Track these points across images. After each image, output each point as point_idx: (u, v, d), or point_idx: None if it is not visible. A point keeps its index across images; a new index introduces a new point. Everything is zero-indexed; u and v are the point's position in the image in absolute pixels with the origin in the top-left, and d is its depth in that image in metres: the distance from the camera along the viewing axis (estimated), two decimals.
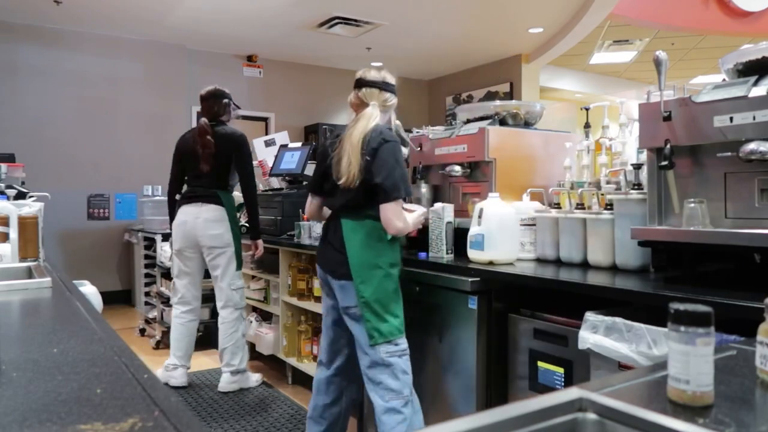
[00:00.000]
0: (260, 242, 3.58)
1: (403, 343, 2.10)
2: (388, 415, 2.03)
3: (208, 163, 3.49)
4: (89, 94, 6.46)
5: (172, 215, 3.63)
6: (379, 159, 2.02)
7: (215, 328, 4.60)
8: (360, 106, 2.19)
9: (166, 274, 4.54)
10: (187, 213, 3.47)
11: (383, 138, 2.05)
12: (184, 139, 3.71)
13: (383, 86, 2.18)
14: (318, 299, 3.34)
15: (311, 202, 2.35)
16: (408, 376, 2.08)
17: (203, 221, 3.44)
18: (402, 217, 2.05)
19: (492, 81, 7.89)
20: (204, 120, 3.66)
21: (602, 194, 2.13)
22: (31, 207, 2.32)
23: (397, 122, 2.94)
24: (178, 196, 3.63)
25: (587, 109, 2.61)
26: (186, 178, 3.62)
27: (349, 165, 2.04)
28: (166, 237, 4.67)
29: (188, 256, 3.52)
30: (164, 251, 4.51)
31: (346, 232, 2.09)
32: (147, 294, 5.05)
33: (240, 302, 3.54)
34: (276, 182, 4.10)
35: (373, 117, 2.11)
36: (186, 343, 3.63)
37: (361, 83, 2.22)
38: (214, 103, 3.81)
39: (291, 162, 4.00)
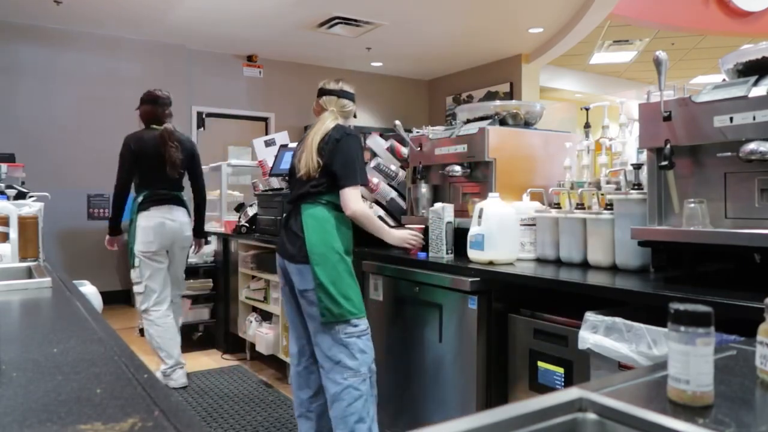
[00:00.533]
0: (203, 241, 4.05)
1: (362, 324, 2.23)
2: (347, 391, 2.17)
3: (178, 168, 3.72)
4: (89, 94, 6.45)
5: (120, 216, 3.76)
6: (339, 149, 2.26)
7: (215, 327, 4.62)
8: (321, 112, 2.45)
9: None
10: (164, 215, 3.61)
11: (345, 132, 2.31)
12: (143, 141, 3.74)
13: (340, 94, 2.44)
14: None
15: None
16: (366, 355, 2.21)
17: (180, 224, 3.68)
18: (359, 201, 2.27)
19: (492, 81, 7.89)
20: (170, 125, 3.82)
21: (602, 194, 2.13)
22: (31, 207, 2.32)
23: (397, 122, 2.95)
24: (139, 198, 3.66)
25: (587, 109, 2.61)
26: (140, 180, 3.69)
27: (307, 158, 2.28)
28: None
29: (163, 254, 3.68)
30: None
31: (305, 217, 2.26)
32: None
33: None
34: (276, 182, 4.09)
35: (330, 119, 2.37)
36: (178, 339, 3.64)
37: (321, 92, 2.48)
38: (163, 107, 3.96)
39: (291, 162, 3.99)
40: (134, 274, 3.71)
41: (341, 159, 2.26)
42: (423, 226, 2.50)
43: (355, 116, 2.56)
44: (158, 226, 3.58)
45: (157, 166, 3.62)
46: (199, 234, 3.97)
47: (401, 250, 2.48)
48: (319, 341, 2.25)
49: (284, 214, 2.46)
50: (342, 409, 2.18)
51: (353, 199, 2.25)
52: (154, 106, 3.92)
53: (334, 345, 2.20)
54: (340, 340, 2.19)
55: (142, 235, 3.58)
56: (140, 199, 3.63)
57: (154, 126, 3.82)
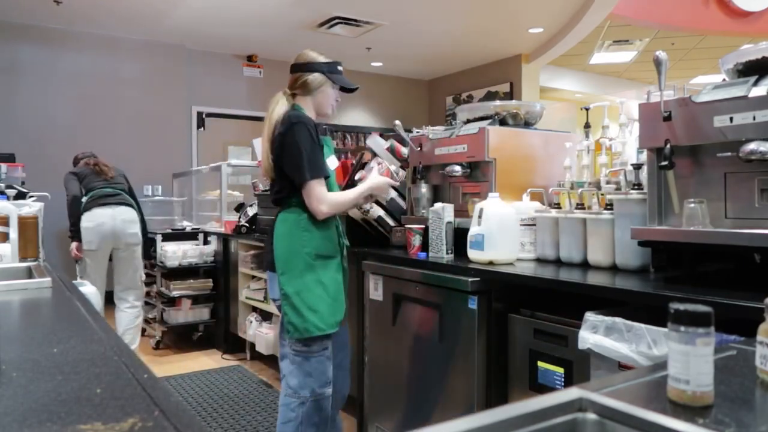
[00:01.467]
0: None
1: (315, 345, 2.03)
2: (283, 408, 2.06)
3: (112, 168, 4.21)
4: (89, 94, 6.46)
5: (78, 221, 4.01)
6: (285, 144, 2.03)
7: (215, 327, 4.62)
8: None
9: (167, 274, 4.55)
10: (105, 214, 3.95)
11: (291, 121, 2.04)
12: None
13: (291, 69, 2.19)
14: None
15: None
16: (311, 379, 2.02)
17: (123, 222, 3.95)
18: (324, 198, 2.03)
19: (492, 81, 7.89)
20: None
21: (602, 194, 2.13)
22: (31, 207, 2.32)
23: (397, 122, 2.95)
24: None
25: (587, 109, 2.61)
26: (86, 183, 4.09)
27: (263, 158, 2.11)
28: (166, 237, 4.68)
29: (104, 254, 3.99)
30: (164, 251, 4.51)
31: (276, 223, 2.11)
32: (147, 294, 5.05)
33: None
34: None
35: (279, 105, 2.14)
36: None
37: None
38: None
39: None
40: (77, 270, 4.00)
41: (287, 156, 2.03)
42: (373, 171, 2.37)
43: (347, 90, 2.21)
44: (98, 226, 3.83)
45: (99, 171, 4.08)
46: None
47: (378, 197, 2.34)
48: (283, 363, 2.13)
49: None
50: (278, 425, 2.08)
51: (315, 198, 2.02)
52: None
53: (284, 356, 2.09)
54: (289, 354, 2.06)
55: (84, 235, 3.84)
56: (84, 199, 3.93)
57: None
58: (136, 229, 3.98)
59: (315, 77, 2.14)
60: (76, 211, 3.90)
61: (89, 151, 4.46)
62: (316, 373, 2.04)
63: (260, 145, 2.27)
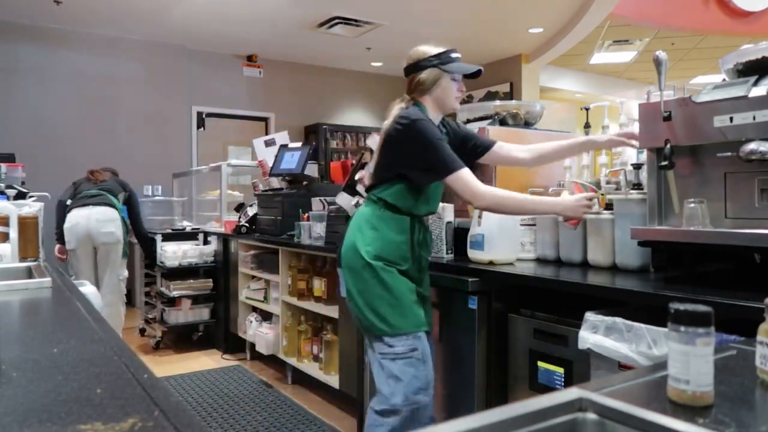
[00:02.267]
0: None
1: (399, 344, 1.86)
2: (373, 415, 1.89)
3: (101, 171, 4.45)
4: (89, 94, 6.46)
5: (61, 225, 4.21)
6: (407, 139, 1.87)
7: (215, 327, 4.62)
8: None
9: (167, 274, 4.55)
10: (80, 215, 4.09)
11: (410, 119, 1.87)
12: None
13: (406, 72, 2.02)
14: (318, 299, 3.34)
15: None
16: (401, 383, 1.85)
17: (97, 222, 4.06)
18: (475, 185, 1.83)
19: (492, 81, 7.89)
20: None
21: (602, 194, 2.13)
22: (31, 207, 2.32)
23: None
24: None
25: (587, 109, 2.61)
26: (74, 187, 4.32)
27: (373, 162, 2.02)
28: (166, 237, 4.68)
29: (84, 253, 4.12)
30: (164, 251, 4.51)
31: (353, 217, 2.01)
32: (147, 294, 5.06)
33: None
34: (276, 182, 4.09)
35: (390, 106, 2.01)
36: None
37: None
38: None
39: (291, 162, 4.00)
40: (69, 269, 4.12)
41: (412, 148, 1.86)
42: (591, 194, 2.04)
43: (458, 77, 1.98)
44: (73, 226, 3.98)
45: (90, 177, 4.30)
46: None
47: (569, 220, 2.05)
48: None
49: None
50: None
51: (464, 189, 1.83)
52: None
53: (373, 362, 1.93)
54: (376, 359, 1.91)
55: (65, 235, 4.01)
56: (68, 202, 4.12)
57: None
58: (112, 228, 4.03)
59: (428, 74, 1.96)
60: (58, 215, 4.12)
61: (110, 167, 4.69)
62: (405, 377, 1.85)
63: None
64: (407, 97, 2.00)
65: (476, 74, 1.98)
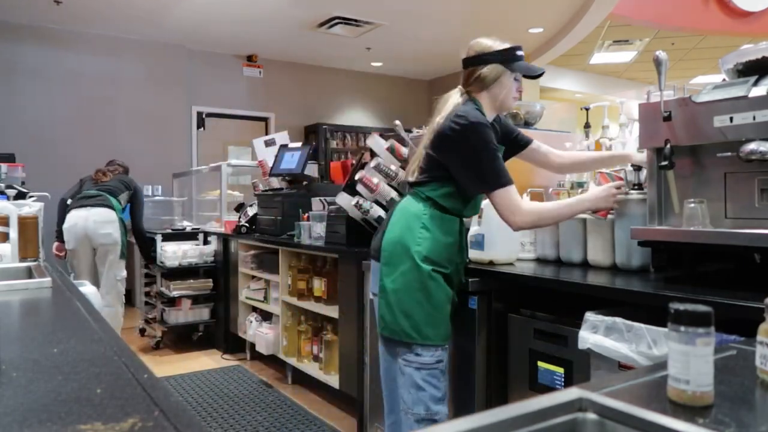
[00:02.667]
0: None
1: (426, 355, 1.80)
2: (400, 424, 1.87)
3: (103, 171, 4.52)
4: (89, 94, 6.46)
5: (61, 223, 4.29)
6: (452, 147, 1.80)
7: (215, 327, 4.62)
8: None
9: (167, 274, 4.55)
10: (79, 216, 4.16)
11: (467, 119, 1.78)
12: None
13: (464, 63, 1.91)
14: (318, 299, 3.34)
15: None
16: (424, 393, 1.80)
17: (94, 223, 4.12)
18: (518, 209, 1.77)
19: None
20: None
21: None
22: (31, 207, 2.32)
23: (397, 122, 2.95)
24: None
25: (587, 109, 2.61)
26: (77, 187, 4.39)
27: (413, 162, 1.92)
28: (166, 237, 4.68)
29: (83, 252, 4.21)
30: (164, 251, 4.51)
31: (396, 210, 1.91)
32: (147, 294, 5.06)
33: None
34: (276, 182, 4.10)
35: (445, 98, 1.90)
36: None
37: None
38: None
39: (291, 162, 4.01)
40: (68, 267, 4.21)
41: (460, 160, 1.80)
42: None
43: (518, 76, 1.90)
44: (72, 227, 4.05)
45: (94, 176, 4.39)
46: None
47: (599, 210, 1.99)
48: (379, 353, 1.94)
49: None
50: None
51: (503, 207, 1.77)
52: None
53: (392, 365, 1.89)
54: (399, 365, 1.85)
55: (64, 235, 4.10)
56: (69, 201, 4.20)
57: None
58: (110, 229, 4.07)
59: (490, 69, 1.86)
60: (59, 213, 4.19)
61: (119, 159, 4.81)
62: (428, 388, 1.81)
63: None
64: (463, 89, 1.90)
65: (537, 76, 1.92)
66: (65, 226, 4.10)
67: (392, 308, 1.81)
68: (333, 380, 3.14)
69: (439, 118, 1.84)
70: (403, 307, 1.80)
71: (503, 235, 2.20)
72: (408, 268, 1.79)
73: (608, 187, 1.90)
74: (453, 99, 1.88)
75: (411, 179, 1.92)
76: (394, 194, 2.87)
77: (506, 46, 1.88)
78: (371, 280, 1.96)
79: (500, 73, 1.87)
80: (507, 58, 1.87)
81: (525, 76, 1.91)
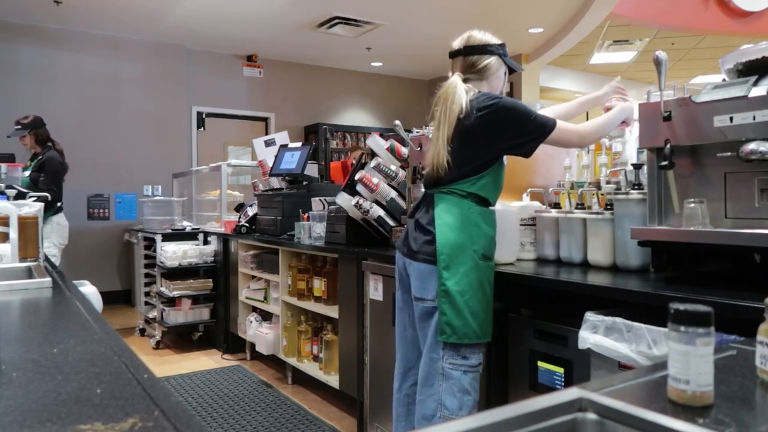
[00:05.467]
0: None
1: (473, 357, 1.81)
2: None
3: None
4: (89, 94, 6.46)
5: None
6: (496, 124, 1.81)
7: (215, 327, 4.62)
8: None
9: (167, 274, 4.55)
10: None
11: (491, 97, 1.82)
12: (62, 157, 4.56)
13: (466, 51, 1.92)
14: (318, 299, 3.34)
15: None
16: (469, 398, 1.79)
17: None
18: (578, 132, 1.88)
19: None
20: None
21: (602, 194, 2.13)
22: (31, 207, 2.31)
23: (397, 122, 2.95)
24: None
25: None
26: (59, 188, 4.45)
27: (434, 156, 1.85)
28: (166, 237, 4.68)
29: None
30: (164, 251, 4.51)
31: (438, 210, 1.84)
32: (147, 294, 5.05)
33: None
34: (276, 182, 4.10)
35: (450, 89, 1.86)
36: None
37: (449, 56, 1.97)
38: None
39: (291, 162, 4.01)
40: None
41: (507, 129, 1.82)
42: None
43: (509, 71, 1.99)
44: (67, 225, 4.42)
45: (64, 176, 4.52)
46: None
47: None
48: (422, 361, 1.86)
49: (411, 206, 2.05)
50: None
51: (575, 139, 1.89)
52: (45, 128, 4.60)
53: (433, 373, 1.82)
54: (442, 369, 1.79)
55: (62, 231, 4.36)
56: (58, 204, 4.34)
57: (50, 143, 4.55)
58: None
59: (493, 61, 1.92)
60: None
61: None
62: (473, 391, 1.80)
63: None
64: (462, 76, 1.90)
65: (514, 72, 2.02)
66: (66, 223, 4.38)
67: (461, 311, 1.77)
68: (333, 380, 3.14)
69: (457, 110, 1.82)
70: (472, 309, 1.78)
71: (503, 235, 2.20)
72: (470, 268, 1.78)
73: (626, 105, 2.05)
74: (460, 89, 1.85)
75: (442, 177, 1.86)
76: (394, 194, 2.88)
77: (500, 41, 1.96)
78: (414, 285, 1.87)
79: (500, 66, 1.95)
80: (503, 52, 1.96)
81: (511, 72, 2.01)
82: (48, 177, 4.32)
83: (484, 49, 1.92)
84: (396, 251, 2.01)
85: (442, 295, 1.78)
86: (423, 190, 2.01)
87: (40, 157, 4.43)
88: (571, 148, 1.91)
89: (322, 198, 3.50)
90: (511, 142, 1.85)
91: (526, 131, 1.84)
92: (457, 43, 1.95)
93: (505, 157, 1.94)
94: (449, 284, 1.77)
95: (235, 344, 4.36)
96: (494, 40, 1.94)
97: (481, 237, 1.82)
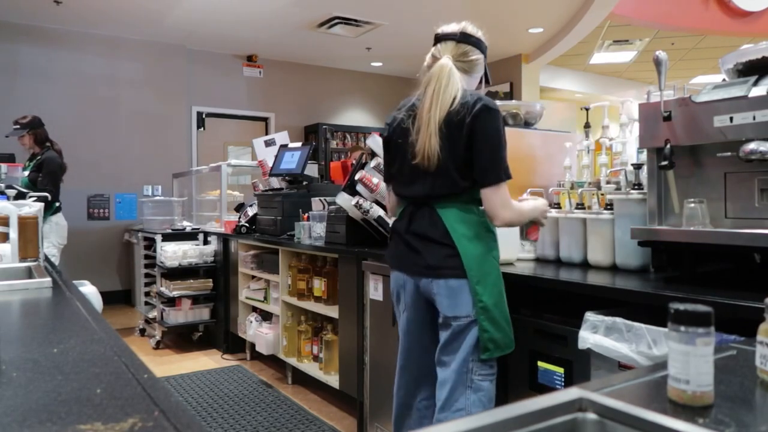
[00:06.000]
0: None
1: (495, 365, 1.77)
2: None
3: None
4: (89, 94, 6.46)
5: None
6: (478, 134, 1.66)
7: (215, 327, 4.62)
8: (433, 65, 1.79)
9: (167, 274, 4.55)
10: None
11: (483, 102, 1.68)
12: (61, 158, 4.56)
13: (462, 38, 1.81)
14: (318, 299, 3.34)
15: (391, 195, 1.91)
16: (492, 404, 1.75)
17: None
18: (509, 204, 1.70)
19: (492, 81, 7.88)
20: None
21: (602, 194, 2.13)
22: (31, 207, 2.31)
23: None
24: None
25: (587, 109, 2.61)
26: (57, 188, 4.46)
27: (425, 142, 1.69)
28: (166, 237, 4.68)
29: None
30: (164, 251, 4.51)
31: (450, 222, 1.71)
32: (147, 294, 5.05)
33: None
34: (276, 182, 4.10)
35: (446, 71, 1.72)
36: None
37: (437, 39, 1.86)
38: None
39: (291, 162, 4.01)
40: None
41: (483, 146, 1.67)
42: (535, 198, 1.99)
43: (487, 81, 1.89)
44: (65, 225, 4.48)
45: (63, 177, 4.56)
46: None
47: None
48: (445, 376, 1.75)
49: (398, 218, 1.87)
50: None
51: (503, 204, 1.68)
52: (44, 128, 4.59)
53: (463, 388, 1.72)
54: (471, 381, 1.71)
55: (61, 231, 4.40)
56: (57, 204, 4.37)
57: (49, 144, 4.54)
58: None
59: (481, 59, 1.85)
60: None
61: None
62: (493, 399, 1.76)
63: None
64: (451, 57, 1.79)
65: (489, 83, 1.93)
66: (65, 223, 4.44)
67: (499, 323, 1.71)
68: (333, 380, 3.14)
69: (450, 97, 1.70)
70: (506, 317, 1.74)
71: (503, 235, 2.20)
72: (496, 277, 1.74)
73: (545, 203, 1.94)
74: (456, 75, 1.73)
75: (436, 188, 1.74)
76: None
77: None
78: (443, 303, 1.73)
79: (482, 68, 1.88)
80: (486, 56, 1.89)
81: (485, 81, 1.91)
82: (45, 177, 4.31)
83: (479, 44, 1.83)
84: (393, 270, 1.84)
85: (481, 313, 1.68)
86: (408, 193, 1.81)
87: (38, 157, 4.42)
88: (492, 211, 1.70)
89: (322, 198, 3.50)
90: (481, 154, 1.68)
91: (493, 160, 1.68)
92: (451, 28, 1.84)
93: None
94: (485, 299, 1.68)
95: (235, 344, 4.36)
96: (485, 40, 1.88)
97: (494, 242, 1.78)
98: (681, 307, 0.75)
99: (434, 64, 1.78)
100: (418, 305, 1.82)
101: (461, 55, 1.81)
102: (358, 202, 2.84)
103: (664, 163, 1.66)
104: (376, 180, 2.85)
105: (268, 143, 4.64)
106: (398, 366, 1.93)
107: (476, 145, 1.67)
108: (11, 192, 3.55)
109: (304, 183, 3.89)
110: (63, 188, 4.52)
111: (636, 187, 1.95)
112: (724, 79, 1.71)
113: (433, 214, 1.75)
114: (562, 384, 1.77)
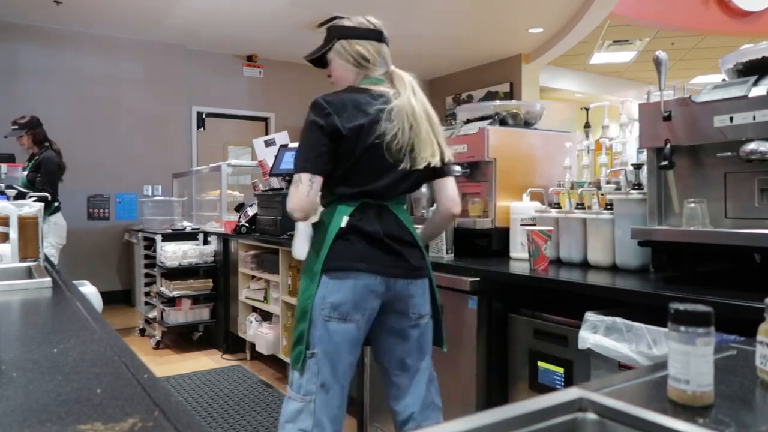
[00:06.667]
0: None
1: None
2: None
3: None
4: (89, 94, 6.46)
5: None
6: None
7: (215, 327, 4.62)
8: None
9: (166, 274, 4.55)
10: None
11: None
12: (60, 158, 4.58)
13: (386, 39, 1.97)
14: None
15: (313, 187, 1.70)
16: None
17: None
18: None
19: (492, 81, 7.89)
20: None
21: (602, 194, 2.13)
22: (31, 207, 2.31)
23: None
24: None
25: (587, 109, 2.61)
26: (55, 189, 4.46)
27: (433, 145, 1.71)
28: (166, 237, 4.68)
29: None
30: (164, 251, 4.51)
31: (405, 220, 1.73)
32: (147, 294, 5.05)
33: None
34: (276, 182, 4.09)
35: (411, 82, 1.83)
36: None
37: (382, 39, 1.99)
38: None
39: (291, 162, 3.99)
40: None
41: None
42: None
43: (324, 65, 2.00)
44: (64, 225, 4.52)
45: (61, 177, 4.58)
46: None
47: None
48: (422, 388, 1.81)
49: (356, 216, 1.69)
50: None
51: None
52: (42, 128, 4.60)
53: (432, 380, 1.84)
54: (432, 375, 1.84)
55: (60, 231, 4.42)
56: (56, 204, 4.40)
57: (47, 143, 4.54)
58: None
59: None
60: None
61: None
62: None
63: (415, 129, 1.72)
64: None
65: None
66: (64, 223, 4.46)
67: (441, 320, 1.84)
68: None
69: (416, 99, 1.76)
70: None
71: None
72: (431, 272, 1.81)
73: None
74: (406, 79, 1.86)
75: (405, 185, 1.75)
76: None
77: None
78: (418, 304, 1.74)
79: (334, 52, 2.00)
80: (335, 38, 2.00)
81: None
82: (43, 177, 4.31)
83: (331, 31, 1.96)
84: (374, 276, 1.64)
85: (438, 310, 1.81)
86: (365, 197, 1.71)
87: (37, 157, 4.42)
88: (455, 208, 1.80)
89: None
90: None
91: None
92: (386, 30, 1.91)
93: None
94: (438, 298, 1.82)
95: (235, 344, 4.36)
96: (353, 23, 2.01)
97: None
98: (681, 307, 0.75)
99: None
100: (372, 314, 1.70)
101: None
102: None
103: (664, 163, 1.66)
104: None
105: (268, 143, 4.64)
106: (338, 386, 1.84)
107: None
108: (11, 192, 3.55)
109: None
110: (63, 188, 4.52)
111: (636, 187, 1.95)
112: (724, 79, 1.71)
113: (391, 213, 1.71)
114: (562, 384, 1.77)
